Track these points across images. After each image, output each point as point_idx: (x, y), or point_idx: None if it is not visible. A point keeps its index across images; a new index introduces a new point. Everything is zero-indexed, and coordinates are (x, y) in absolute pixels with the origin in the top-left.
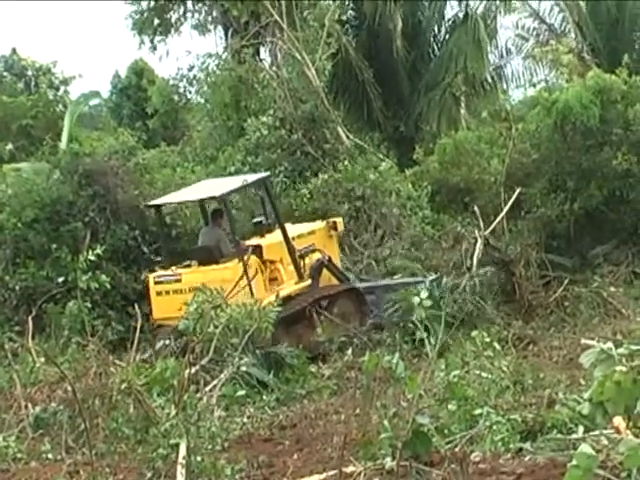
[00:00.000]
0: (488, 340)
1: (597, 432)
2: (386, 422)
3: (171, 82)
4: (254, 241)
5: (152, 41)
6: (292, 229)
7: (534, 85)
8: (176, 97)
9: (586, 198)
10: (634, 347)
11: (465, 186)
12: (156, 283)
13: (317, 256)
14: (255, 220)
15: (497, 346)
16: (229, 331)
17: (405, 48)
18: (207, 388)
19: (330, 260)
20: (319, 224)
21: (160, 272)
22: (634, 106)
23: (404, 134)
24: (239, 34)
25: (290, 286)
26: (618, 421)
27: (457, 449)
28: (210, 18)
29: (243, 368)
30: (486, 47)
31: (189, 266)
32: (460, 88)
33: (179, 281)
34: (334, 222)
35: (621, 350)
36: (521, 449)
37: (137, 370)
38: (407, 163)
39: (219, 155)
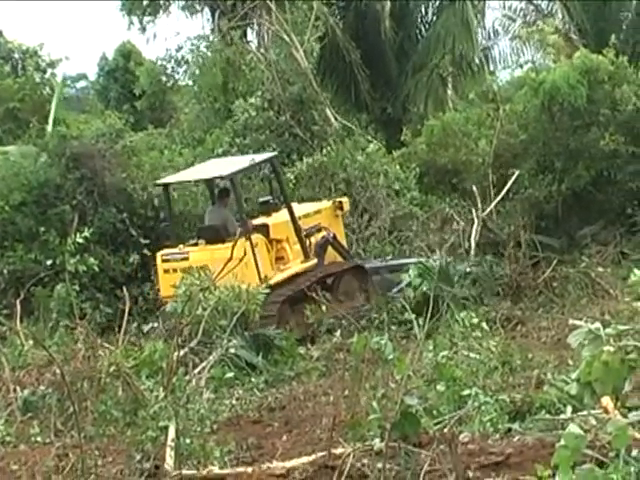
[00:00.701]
0: (476, 321)
1: (585, 412)
2: (375, 403)
3: (159, 63)
4: (261, 220)
5: (141, 22)
6: (298, 208)
7: (521, 66)
8: (164, 78)
9: (574, 179)
10: (622, 327)
11: (453, 167)
12: (164, 261)
13: (322, 234)
14: (262, 199)
15: (485, 327)
16: (217, 313)
17: (393, 29)
18: (196, 370)
19: (335, 237)
20: (325, 203)
21: (167, 250)
22: (621, 86)
23: (391, 116)
24: (226, 16)
25: (296, 265)
26: (606, 401)
27: (446, 430)
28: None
29: (232, 350)
30: (475, 28)
31: (196, 245)
32: (447, 69)
33: (186, 259)
34: (340, 202)
35: (609, 330)
36: (510, 429)
37: (126, 353)
38: (395, 145)
39: (207, 137)
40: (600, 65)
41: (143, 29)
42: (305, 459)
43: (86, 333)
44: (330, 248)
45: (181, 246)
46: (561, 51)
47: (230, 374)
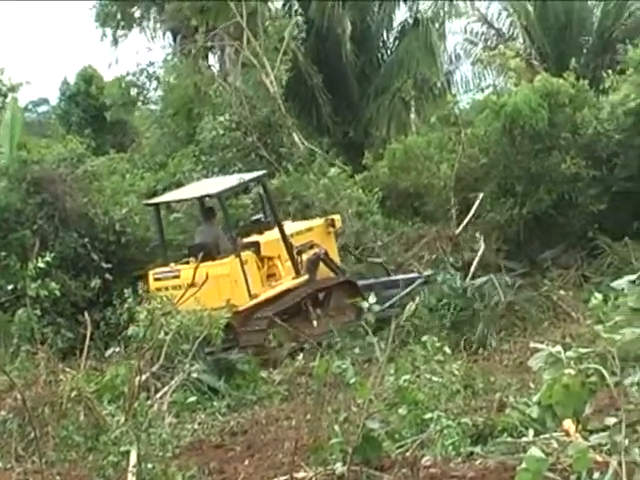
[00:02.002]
0: (438, 344)
1: (547, 435)
2: (337, 427)
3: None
4: (252, 238)
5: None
6: (290, 226)
7: (482, 90)
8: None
9: (535, 202)
10: (582, 350)
11: (415, 191)
12: (155, 280)
13: (314, 251)
14: (254, 218)
15: (447, 350)
16: (180, 337)
17: (354, 53)
18: (158, 395)
19: (326, 254)
20: (317, 221)
21: (159, 269)
22: (582, 110)
23: (353, 139)
24: (187, 39)
25: (287, 281)
26: (567, 424)
27: (408, 453)
28: (159, 23)
29: (194, 374)
30: (438, 52)
31: (187, 263)
32: (409, 93)
33: (177, 277)
34: (332, 219)
35: (570, 353)
36: (472, 453)
37: (87, 377)
38: (357, 168)
39: (169, 161)
40: (561, 88)
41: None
42: None
43: (47, 358)
44: (323, 265)
45: (172, 264)
46: (522, 75)
47: (192, 398)
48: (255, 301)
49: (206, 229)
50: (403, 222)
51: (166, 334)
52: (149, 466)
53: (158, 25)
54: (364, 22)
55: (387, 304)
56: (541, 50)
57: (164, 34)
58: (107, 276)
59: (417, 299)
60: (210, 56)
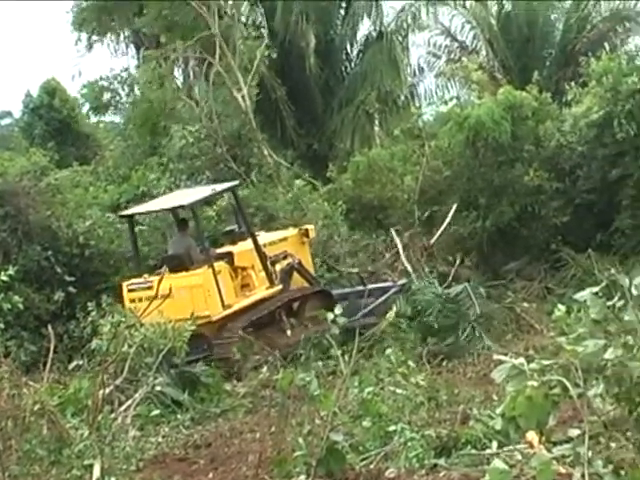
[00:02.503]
0: (402, 357)
1: (511, 447)
2: (300, 440)
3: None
4: (226, 249)
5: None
6: (264, 236)
7: (446, 102)
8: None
9: (498, 215)
10: (545, 362)
11: (378, 203)
12: (129, 291)
13: (288, 261)
14: (227, 228)
15: (411, 363)
16: (144, 350)
17: (318, 66)
18: (122, 408)
19: (300, 264)
20: (291, 231)
21: (133, 280)
22: (544, 122)
23: (317, 152)
24: (150, 52)
25: (261, 291)
26: (531, 436)
27: (372, 466)
28: (122, 37)
29: (157, 387)
30: (402, 65)
31: (160, 274)
32: (373, 105)
33: (151, 288)
34: (306, 229)
35: (533, 365)
36: (436, 465)
37: (51, 391)
38: (321, 181)
39: (132, 174)
40: (524, 101)
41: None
42: None
43: (10, 371)
44: (298, 275)
45: (146, 275)
46: (485, 88)
47: (156, 411)
48: (228, 311)
49: (178, 240)
50: (367, 234)
51: (130, 347)
52: (113, 479)
53: (121, 37)
54: (328, 35)
55: (361, 313)
56: (504, 63)
57: (127, 46)
58: (71, 289)
59: (394, 308)
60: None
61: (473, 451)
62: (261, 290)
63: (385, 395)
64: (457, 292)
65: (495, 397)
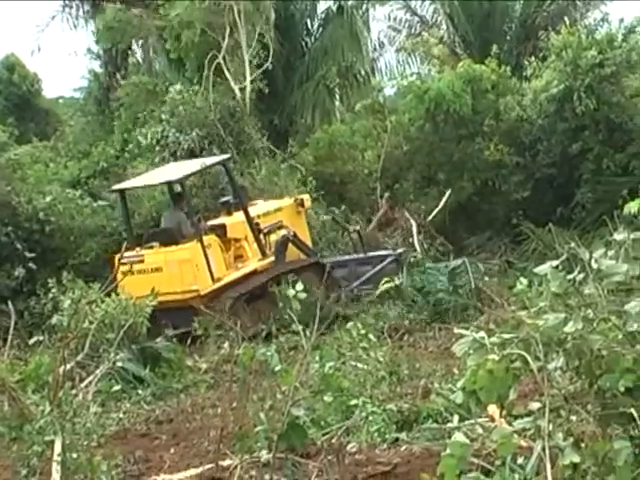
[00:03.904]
0: (363, 331)
1: (472, 421)
2: (262, 415)
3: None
4: (220, 220)
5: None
6: (259, 207)
7: (406, 77)
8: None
9: (457, 190)
10: (506, 336)
11: (340, 179)
12: (121, 264)
13: (283, 233)
14: (222, 199)
15: (372, 337)
16: (105, 326)
17: (278, 41)
18: (83, 384)
19: (295, 235)
20: (286, 201)
21: (125, 253)
22: (505, 96)
23: (278, 127)
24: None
25: (253, 263)
26: (492, 409)
27: (333, 440)
28: (82, 12)
29: (119, 363)
30: (362, 39)
31: (152, 247)
32: (334, 80)
33: (142, 262)
34: (301, 199)
35: (493, 339)
36: (397, 439)
37: (11, 367)
38: (281, 156)
39: (92, 150)
40: (483, 75)
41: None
42: (193, 471)
43: None
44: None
45: (138, 249)
46: (446, 62)
47: (117, 387)
48: (218, 285)
49: (171, 214)
50: (329, 208)
51: (91, 323)
52: (74, 455)
53: (80, 12)
54: (288, 10)
55: (357, 282)
56: (464, 38)
57: (87, 21)
58: (31, 265)
59: (389, 279)
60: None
61: (434, 425)
62: (253, 262)
63: (347, 370)
64: (456, 266)
65: (456, 371)
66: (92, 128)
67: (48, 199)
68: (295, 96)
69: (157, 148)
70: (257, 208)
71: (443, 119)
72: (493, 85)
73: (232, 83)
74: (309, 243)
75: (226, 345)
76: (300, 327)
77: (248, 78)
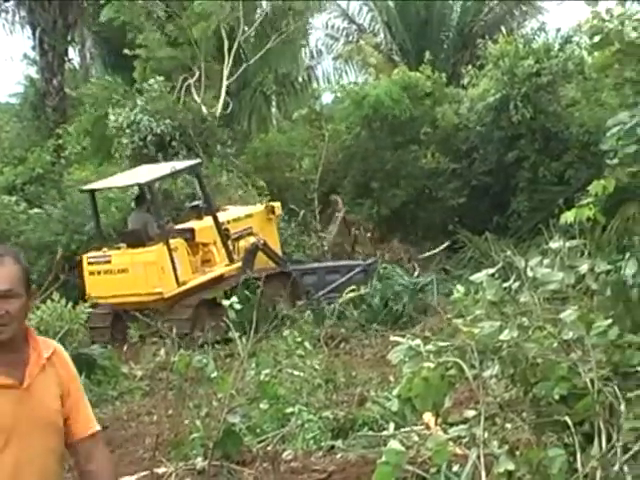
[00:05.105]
0: (300, 339)
1: (407, 428)
2: (198, 422)
3: None
4: (189, 224)
5: None
6: (230, 212)
7: (344, 87)
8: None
9: (390, 198)
10: (442, 343)
11: (277, 188)
12: (89, 264)
13: (253, 239)
14: (192, 204)
15: (308, 345)
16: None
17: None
18: None
19: (265, 244)
20: (257, 207)
21: (93, 253)
22: (441, 104)
23: None
24: (47, 32)
25: (220, 268)
26: (427, 417)
27: (269, 448)
28: (18, 17)
29: None
30: (300, 47)
31: (119, 248)
32: (271, 87)
33: (109, 262)
34: (272, 206)
35: (429, 347)
36: (333, 447)
37: None
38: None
39: (28, 155)
40: (418, 81)
41: None
42: (128, 479)
43: None
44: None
45: (105, 249)
46: (383, 70)
47: None
48: (182, 288)
49: (136, 216)
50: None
51: None
52: None
53: (17, 18)
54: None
55: (324, 291)
56: (402, 46)
57: (22, 27)
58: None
59: (355, 287)
60: (70, 50)
61: (370, 433)
62: (220, 267)
63: (283, 377)
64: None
65: (392, 379)
66: (28, 133)
67: None
68: (232, 103)
69: (127, 131)
70: (227, 214)
71: (379, 126)
72: (429, 92)
73: (198, 99)
74: (279, 251)
75: (162, 352)
76: (237, 335)
77: (224, 87)
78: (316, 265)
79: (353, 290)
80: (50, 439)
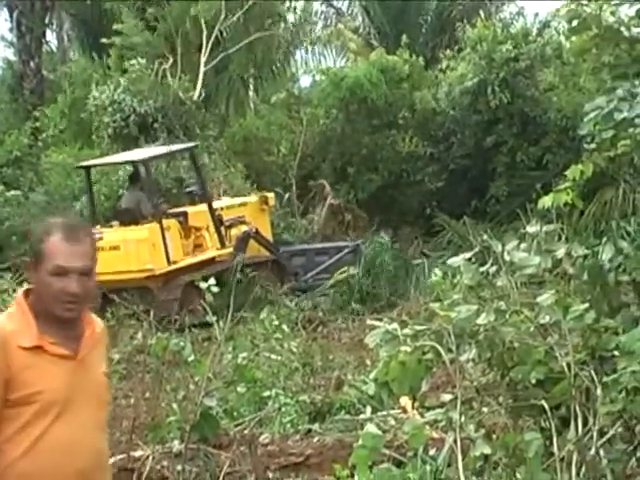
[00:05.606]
0: (277, 322)
1: (384, 412)
2: (175, 405)
3: None
4: (183, 208)
5: None
6: (224, 200)
7: (322, 72)
8: None
9: (367, 183)
10: (419, 327)
11: (255, 172)
12: None
13: (245, 228)
14: (188, 189)
15: (286, 328)
16: None
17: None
18: None
19: (257, 232)
20: (251, 197)
21: None
22: (419, 88)
23: None
24: (24, 15)
25: (212, 251)
26: (404, 401)
27: (246, 431)
28: None
29: None
30: (276, 30)
31: (112, 226)
32: (248, 71)
33: (100, 239)
34: (266, 197)
35: (406, 330)
36: (310, 430)
37: None
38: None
39: (5, 138)
40: (396, 64)
41: None
42: None
43: None
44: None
45: (98, 227)
46: (361, 54)
47: None
48: (173, 267)
49: (129, 194)
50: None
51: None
52: None
53: None
54: None
55: (313, 272)
56: (380, 29)
57: (0, 10)
58: None
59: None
60: (48, 32)
61: (347, 416)
62: (212, 250)
63: (260, 361)
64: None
65: (369, 362)
66: (5, 116)
67: None
68: (209, 86)
69: (109, 109)
70: (221, 201)
71: (357, 109)
72: (407, 76)
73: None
74: (271, 240)
75: (139, 335)
76: (214, 318)
77: (201, 74)
78: (305, 246)
79: (344, 272)
80: (101, 415)
